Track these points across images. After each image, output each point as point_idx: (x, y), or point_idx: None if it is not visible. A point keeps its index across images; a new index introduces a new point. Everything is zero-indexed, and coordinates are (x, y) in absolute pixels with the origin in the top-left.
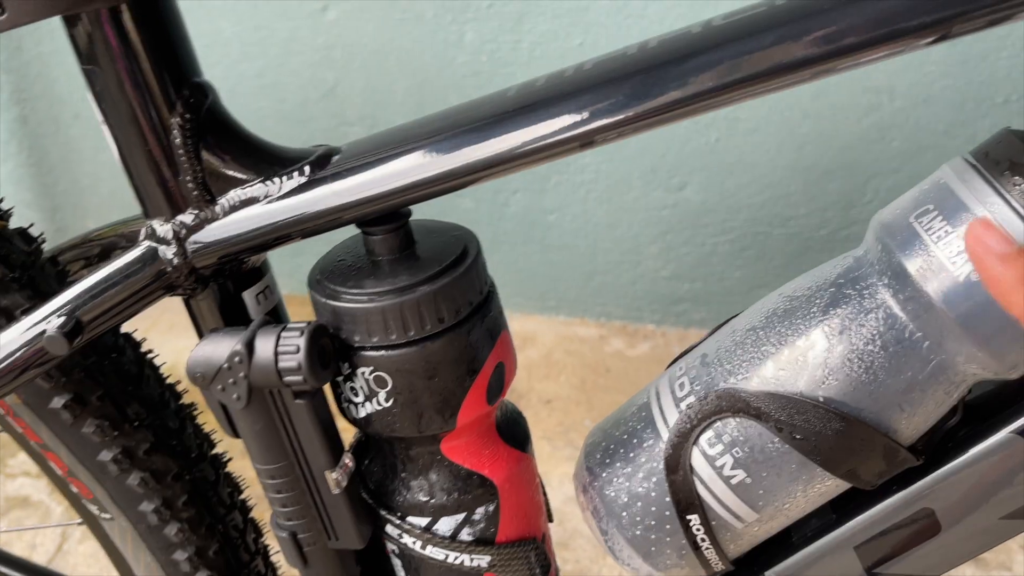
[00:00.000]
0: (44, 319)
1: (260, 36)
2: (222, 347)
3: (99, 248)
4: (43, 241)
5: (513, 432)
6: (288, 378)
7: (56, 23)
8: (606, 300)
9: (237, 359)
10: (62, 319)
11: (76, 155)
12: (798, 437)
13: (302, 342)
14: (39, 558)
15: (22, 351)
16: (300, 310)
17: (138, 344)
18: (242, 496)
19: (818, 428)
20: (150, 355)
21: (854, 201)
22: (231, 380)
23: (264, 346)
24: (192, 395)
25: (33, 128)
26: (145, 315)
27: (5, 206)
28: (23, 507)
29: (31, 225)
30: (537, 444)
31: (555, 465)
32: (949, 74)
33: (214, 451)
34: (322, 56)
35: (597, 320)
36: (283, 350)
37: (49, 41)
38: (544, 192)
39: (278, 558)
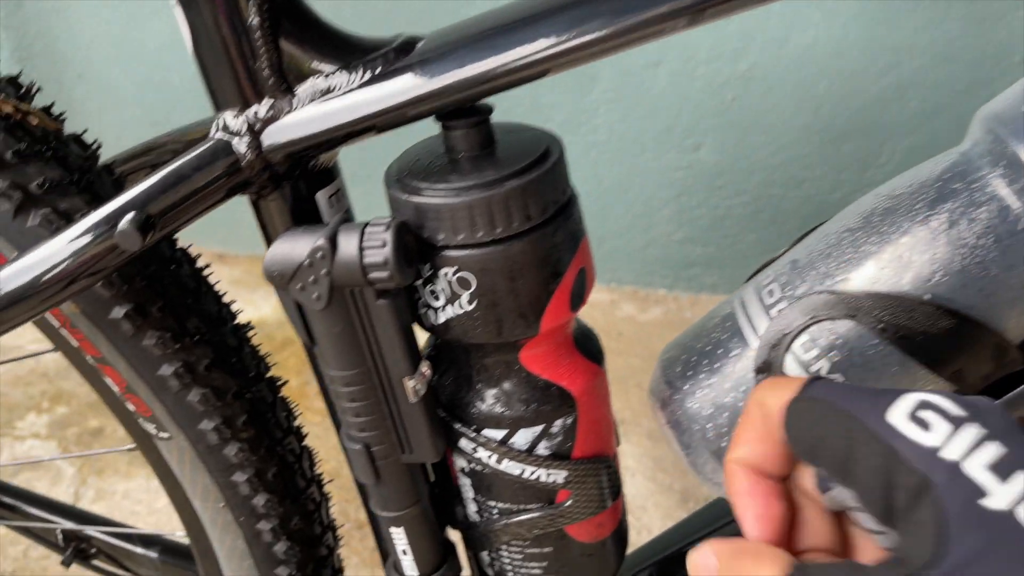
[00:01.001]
0: (114, 213)
1: None
2: (302, 244)
3: (155, 157)
4: (99, 147)
5: (588, 347)
6: (373, 274)
7: None
8: (617, 265)
9: (319, 255)
10: (133, 212)
11: (80, 117)
12: (903, 337)
13: (388, 236)
14: None
15: (92, 247)
16: None
17: (194, 259)
18: (297, 422)
19: (925, 326)
20: (206, 271)
21: (870, 163)
22: (311, 278)
23: (348, 241)
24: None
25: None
26: None
27: None
28: (33, 469)
29: (85, 131)
30: None
31: None
32: (968, 32)
33: (270, 374)
34: None
35: (608, 285)
36: (368, 245)
37: None
38: None
39: (329, 487)
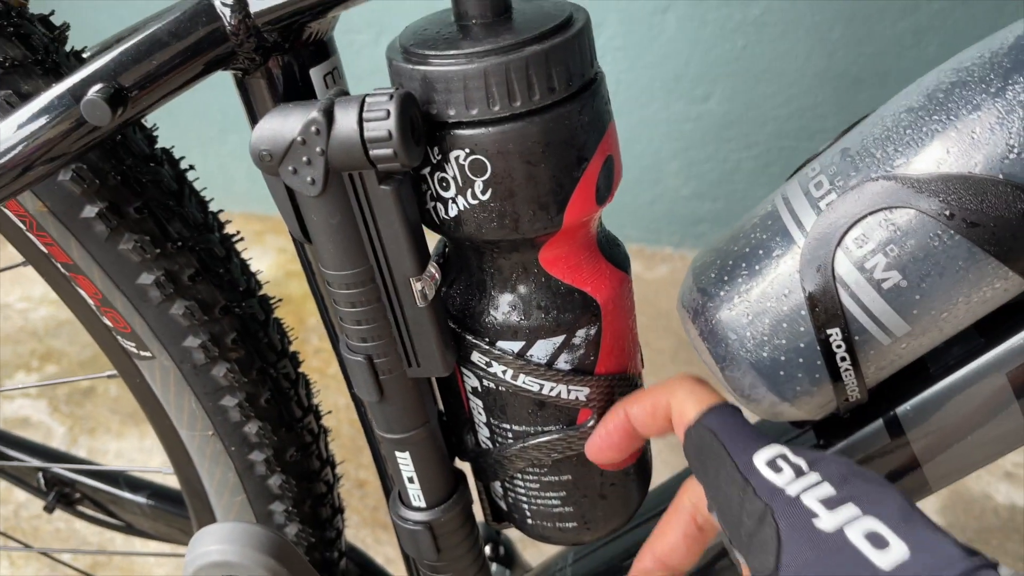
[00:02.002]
0: (79, 84)
1: None
2: (294, 118)
3: None
4: (67, 29)
5: (614, 252)
6: (376, 151)
7: None
8: (623, 222)
9: (314, 129)
10: (102, 83)
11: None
12: (973, 224)
13: (392, 107)
14: None
15: (54, 124)
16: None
17: (176, 161)
18: (291, 346)
19: (999, 211)
20: (189, 173)
21: None
22: (305, 158)
23: (346, 113)
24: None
25: None
26: None
27: None
28: (23, 428)
29: (52, 12)
30: None
31: None
32: None
33: (262, 292)
34: None
35: None
36: (369, 116)
37: None
38: None
39: (327, 419)
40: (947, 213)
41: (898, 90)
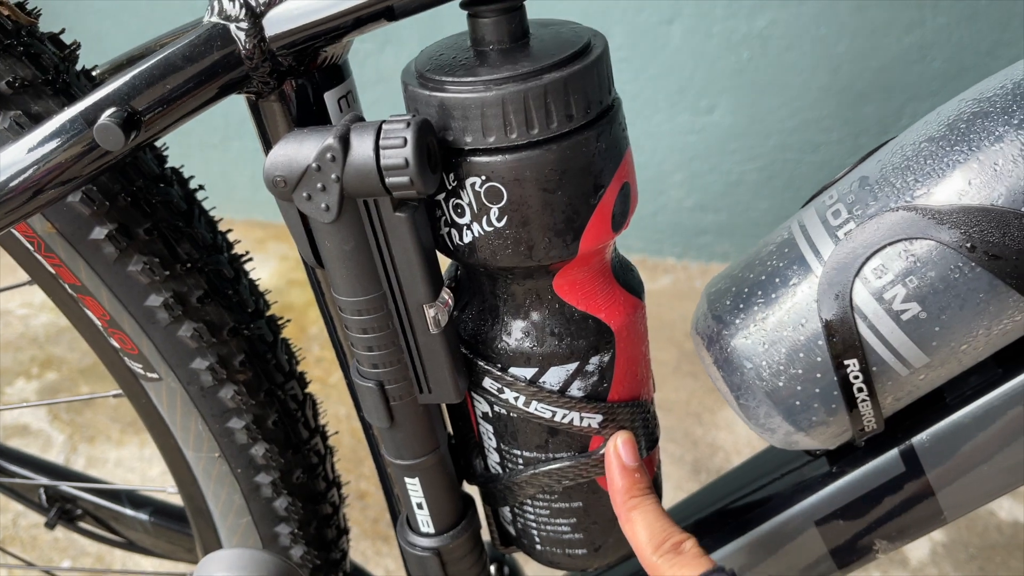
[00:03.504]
0: (92, 107)
1: None
2: (309, 144)
3: None
4: (77, 47)
5: (628, 278)
6: (392, 179)
7: None
8: (626, 232)
9: (329, 156)
10: (115, 107)
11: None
12: (994, 255)
13: (409, 134)
14: None
15: (66, 148)
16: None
17: (186, 180)
18: (299, 366)
19: (1020, 244)
20: (199, 193)
21: (889, 126)
22: (319, 185)
23: (362, 140)
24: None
25: None
26: None
27: None
28: (22, 435)
29: (63, 31)
30: None
31: None
32: None
33: (270, 312)
34: None
35: None
36: (386, 144)
37: None
38: None
39: (333, 439)
40: (968, 245)
41: (904, 105)
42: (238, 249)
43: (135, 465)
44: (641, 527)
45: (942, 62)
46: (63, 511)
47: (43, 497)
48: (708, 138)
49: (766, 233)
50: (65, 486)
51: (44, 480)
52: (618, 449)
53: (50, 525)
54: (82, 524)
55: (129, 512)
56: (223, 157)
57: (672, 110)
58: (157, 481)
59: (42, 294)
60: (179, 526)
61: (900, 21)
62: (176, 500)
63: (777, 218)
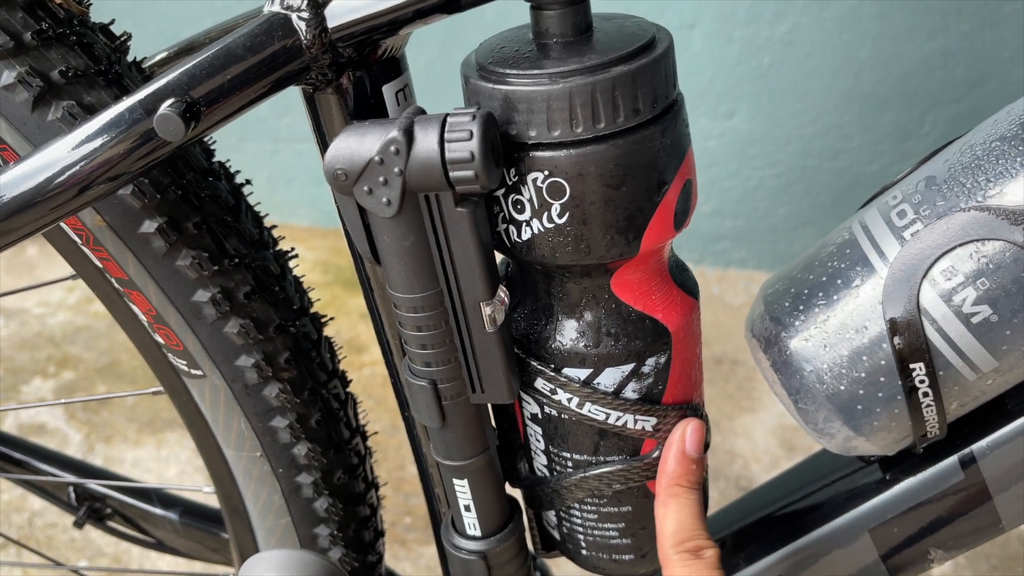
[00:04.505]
0: (151, 96)
1: None
2: (372, 137)
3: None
4: (128, 38)
5: (684, 278)
6: (456, 173)
7: None
8: None
9: (393, 149)
10: (175, 96)
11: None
12: None
13: (475, 128)
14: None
15: (124, 138)
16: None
17: (232, 175)
18: (341, 365)
19: None
20: (246, 188)
21: (911, 133)
22: (381, 179)
23: (427, 133)
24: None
25: None
26: None
27: None
28: (39, 434)
29: (113, 21)
30: None
31: None
32: None
33: (314, 309)
34: None
35: None
36: (452, 137)
37: None
38: None
39: (372, 441)
40: None
41: (925, 111)
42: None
43: (152, 466)
44: (672, 517)
45: (964, 69)
46: (92, 510)
47: (72, 496)
48: (727, 143)
49: (784, 239)
50: (94, 484)
51: (73, 478)
52: (686, 435)
53: (79, 524)
54: (111, 523)
55: (159, 511)
56: (239, 158)
57: (692, 115)
58: (173, 481)
59: (59, 292)
60: (207, 526)
61: (923, 28)
62: (205, 500)
63: (795, 224)
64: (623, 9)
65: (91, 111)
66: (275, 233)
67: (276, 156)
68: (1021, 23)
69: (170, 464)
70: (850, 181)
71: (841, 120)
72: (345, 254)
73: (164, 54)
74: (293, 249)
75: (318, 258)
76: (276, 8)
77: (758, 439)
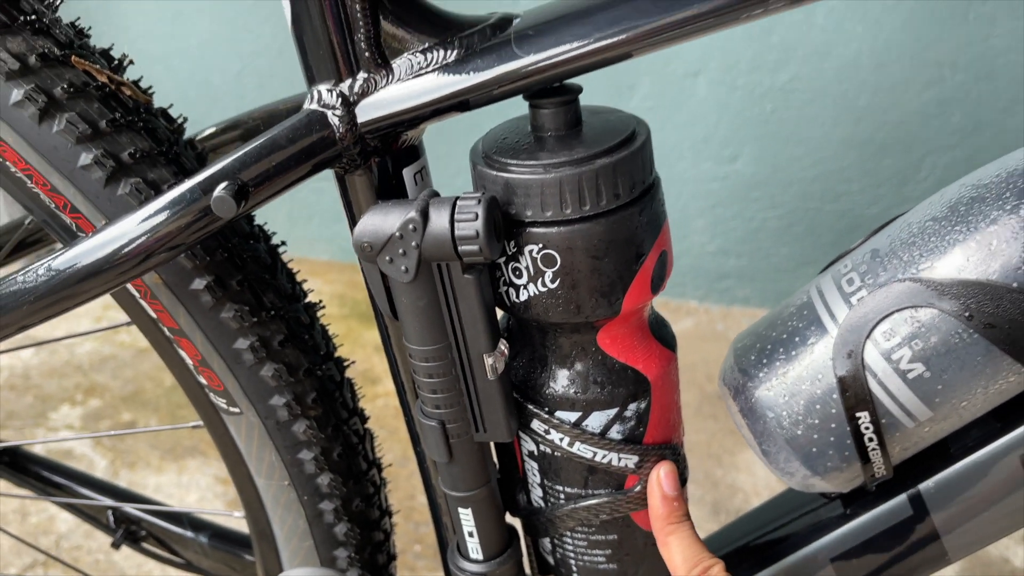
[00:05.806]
0: (208, 180)
1: None
2: (394, 216)
3: (240, 134)
4: (185, 121)
5: (663, 333)
6: (464, 247)
7: None
8: None
9: (411, 227)
10: (229, 180)
11: None
12: (989, 324)
13: (480, 210)
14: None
15: (185, 214)
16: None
17: (269, 236)
18: (359, 404)
19: (1013, 315)
20: (280, 248)
21: (909, 178)
22: (401, 250)
23: (440, 214)
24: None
25: None
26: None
27: None
28: (67, 459)
29: (171, 105)
30: None
31: None
32: (1013, 48)
33: (337, 353)
34: None
35: None
36: (460, 218)
37: None
38: None
39: (384, 472)
40: (967, 314)
41: (923, 158)
42: (311, 298)
43: (173, 491)
44: (677, 550)
45: (960, 117)
46: (129, 531)
47: (111, 518)
48: (731, 185)
49: (786, 278)
50: (130, 508)
51: (111, 502)
52: (660, 479)
53: (116, 545)
54: (145, 544)
55: (189, 534)
56: None
57: (696, 158)
58: (193, 507)
59: (87, 322)
60: (233, 548)
61: (920, 78)
62: (230, 524)
63: (797, 264)
64: (638, 59)
65: (154, 186)
66: (293, 267)
67: (296, 194)
68: (1016, 74)
69: (190, 490)
70: (851, 223)
71: (841, 164)
72: (361, 288)
73: (212, 129)
74: (321, 301)
75: (335, 291)
76: (315, 106)
77: (758, 474)
